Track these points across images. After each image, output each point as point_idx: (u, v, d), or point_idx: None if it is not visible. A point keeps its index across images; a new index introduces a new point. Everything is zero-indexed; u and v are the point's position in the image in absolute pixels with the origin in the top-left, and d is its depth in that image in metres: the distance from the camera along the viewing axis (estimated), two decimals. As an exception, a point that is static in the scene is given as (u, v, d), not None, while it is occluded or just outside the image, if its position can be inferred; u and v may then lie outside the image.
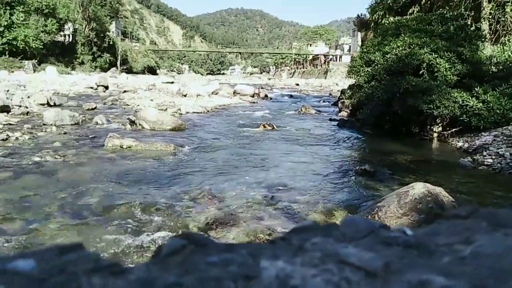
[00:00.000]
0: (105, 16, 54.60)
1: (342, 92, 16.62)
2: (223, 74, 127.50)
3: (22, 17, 35.25)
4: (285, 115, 12.29)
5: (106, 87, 19.52)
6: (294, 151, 6.40)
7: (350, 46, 73.28)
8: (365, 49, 9.77)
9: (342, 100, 14.08)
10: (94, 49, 48.49)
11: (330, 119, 10.82)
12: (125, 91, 17.21)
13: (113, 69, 47.77)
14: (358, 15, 18.41)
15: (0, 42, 32.97)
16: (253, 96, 18.55)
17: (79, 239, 2.76)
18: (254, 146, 6.82)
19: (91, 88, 19.45)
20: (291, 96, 23.47)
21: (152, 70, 63.45)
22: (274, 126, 8.96)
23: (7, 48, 33.58)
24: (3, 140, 6.20)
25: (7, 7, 34.35)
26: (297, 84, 43.86)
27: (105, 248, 2.61)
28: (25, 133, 6.90)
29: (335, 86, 37.62)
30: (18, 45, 34.12)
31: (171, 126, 8.18)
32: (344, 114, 12.02)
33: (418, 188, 3.12)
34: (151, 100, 13.54)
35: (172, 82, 25.13)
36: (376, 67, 8.39)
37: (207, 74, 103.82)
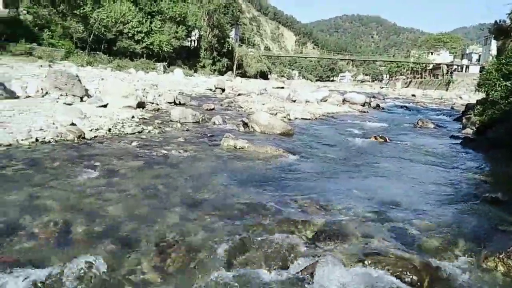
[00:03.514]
0: (227, 24, 58.88)
1: (468, 106, 14.88)
2: (332, 81, 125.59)
3: (159, 24, 40.36)
4: (399, 127, 11.53)
5: (223, 90, 20.99)
6: (408, 168, 5.95)
7: (479, 56, 65.14)
8: (503, 60, 8.57)
9: (467, 116, 12.61)
10: (215, 53, 52.64)
11: (452, 136, 9.76)
12: (239, 94, 18.27)
13: (229, 72, 51.20)
14: (495, 21, 16.17)
15: (140, 46, 38.21)
16: (363, 105, 17.89)
17: (198, 233, 3.01)
18: (363, 158, 6.54)
19: (210, 90, 21.17)
20: (406, 107, 21.91)
21: (264, 75, 66.05)
22: (387, 138, 8.48)
23: (145, 51, 38.78)
24: (139, 132, 7.18)
25: (148, 16, 39.71)
26: (413, 95, 40.79)
27: (221, 244, 2.79)
28: (156, 127, 7.85)
29: (459, 99, 33.95)
30: (153, 49, 39.19)
31: (280, 131, 8.38)
32: (469, 131, 10.73)
33: None
34: (263, 104, 14.08)
35: (283, 87, 25.73)
36: (517, 81, 7.28)
37: (316, 80, 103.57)
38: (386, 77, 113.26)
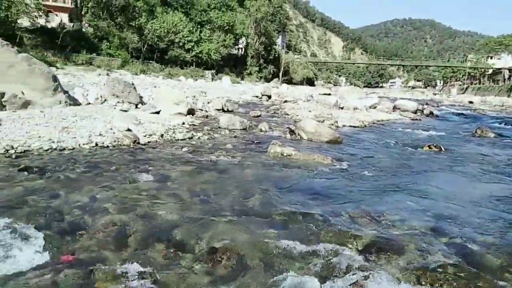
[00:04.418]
0: (274, 31, 59.30)
1: (535, 114, 13.70)
2: (381, 87, 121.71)
3: (208, 33, 41.66)
4: (455, 136, 10.88)
5: (269, 97, 21.13)
6: (466, 179, 5.59)
7: (548, 59, 59.97)
8: None
9: (534, 124, 11.63)
10: (261, 61, 53.18)
11: (516, 146, 9.05)
12: (285, 101, 18.28)
13: (275, 79, 51.44)
14: None
15: (190, 55, 39.63)
16: (415, 113, 17.15)
17: (246, 239, 3.03)
18: (417, 168, 6.24)
19: (256, 97, 21.40)
20: (462, 114, 20.67)
21: (310, 81, 65.58)
22: (442, 147, 8.04)
23: (194, 60, 40.15)
24: (189, 138, 7.41)
25: (198, 26, 41.15)
26: (471, 102, 38.37)
27: (270, 251, 2.79)
28: (205, 133, 8.06)
29: (523, 106, 31.45)
30: (202, 57, 40.46)
31: (328, 139, 8.25)
32: (536, 141, 9.89)
33: None
34: (309, 111, 13.97)
35: (329, 94, 25.37)
36: None
37: (364, 86, 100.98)
38: (440, 83, 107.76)
